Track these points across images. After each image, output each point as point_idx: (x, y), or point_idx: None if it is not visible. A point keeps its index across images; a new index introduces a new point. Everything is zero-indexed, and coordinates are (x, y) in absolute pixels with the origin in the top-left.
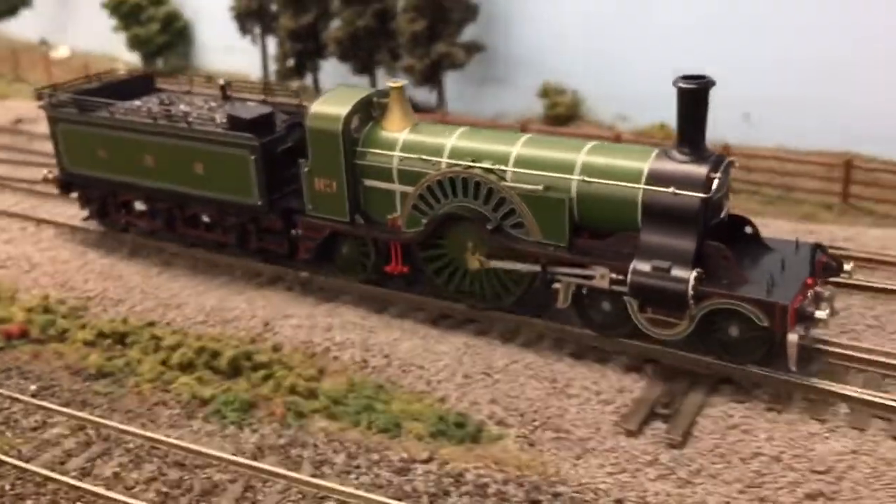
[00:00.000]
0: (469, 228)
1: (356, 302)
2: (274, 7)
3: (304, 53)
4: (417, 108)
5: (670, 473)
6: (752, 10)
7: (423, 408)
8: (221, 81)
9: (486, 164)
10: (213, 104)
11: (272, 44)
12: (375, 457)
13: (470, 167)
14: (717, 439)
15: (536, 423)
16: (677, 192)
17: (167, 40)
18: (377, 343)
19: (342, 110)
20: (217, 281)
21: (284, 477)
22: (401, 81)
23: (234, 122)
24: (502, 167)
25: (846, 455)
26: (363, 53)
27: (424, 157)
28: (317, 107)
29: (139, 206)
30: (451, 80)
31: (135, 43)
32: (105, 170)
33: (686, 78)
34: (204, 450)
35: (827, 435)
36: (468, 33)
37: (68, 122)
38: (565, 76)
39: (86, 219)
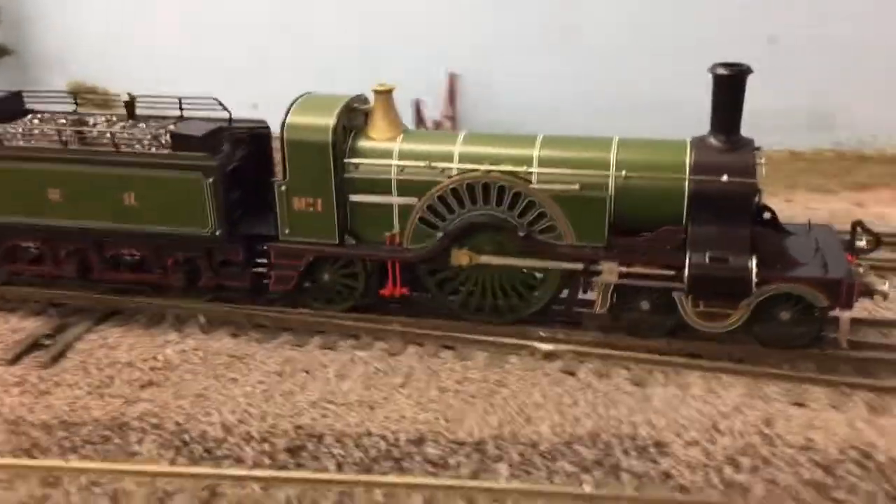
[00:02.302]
0: (489, 238)
1: None
2: None
3: None
4: None
5: (33, 389)
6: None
7: None
8: (126, 97)
9: (508, 167)
10: (123, 124)
11: None
12: None
13: (490, 171)
14: (84, 357)
15: None
16: (730, 179)
17: None
18: None
19: (328, 120)
20: None
21: None
22: (389, 85)
23: (182, 141)
24: (527, 169)
25: (187, 353)
26: None
27: (432, 164)
28: (295, 118)
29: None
30: None
31: None
32: None
33: (724, 65)
34: None
35: (178, 341)
36: None
37: None
38: (94, 74)
39: None
